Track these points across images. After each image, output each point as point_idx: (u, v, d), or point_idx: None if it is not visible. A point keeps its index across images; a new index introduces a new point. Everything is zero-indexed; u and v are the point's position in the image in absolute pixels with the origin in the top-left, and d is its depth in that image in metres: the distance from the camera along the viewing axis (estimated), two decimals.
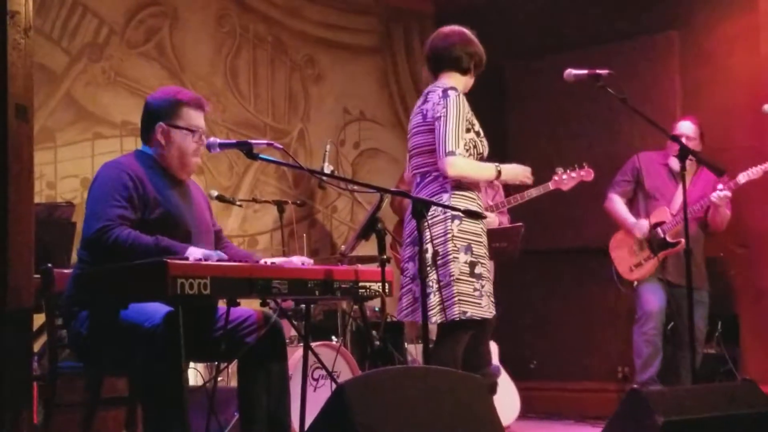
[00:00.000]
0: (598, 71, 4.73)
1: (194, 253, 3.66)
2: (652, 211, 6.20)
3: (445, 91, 4.61)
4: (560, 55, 7.18)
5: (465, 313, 4.46)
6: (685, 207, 4.82)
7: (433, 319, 4.47)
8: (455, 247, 4.48)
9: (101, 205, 3.80)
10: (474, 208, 4.54)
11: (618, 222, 6.30)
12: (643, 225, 6.15)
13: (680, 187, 5.87)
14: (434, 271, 4.42)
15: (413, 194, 4.61)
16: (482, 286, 4.52)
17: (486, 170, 4.65)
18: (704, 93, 7.11)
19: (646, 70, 7.37)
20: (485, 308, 4.53)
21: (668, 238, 6.03)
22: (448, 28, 4.82)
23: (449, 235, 4.49)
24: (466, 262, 4.49)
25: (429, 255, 4.40)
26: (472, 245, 4.53)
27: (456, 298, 4.45)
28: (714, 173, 5.21)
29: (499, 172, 4.68)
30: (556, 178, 5.69)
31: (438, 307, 4.46)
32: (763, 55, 6.89)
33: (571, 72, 4.80)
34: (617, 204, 6.34)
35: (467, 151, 4.57)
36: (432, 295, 4.44)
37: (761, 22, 6.92)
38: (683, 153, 4.78)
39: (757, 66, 6.90)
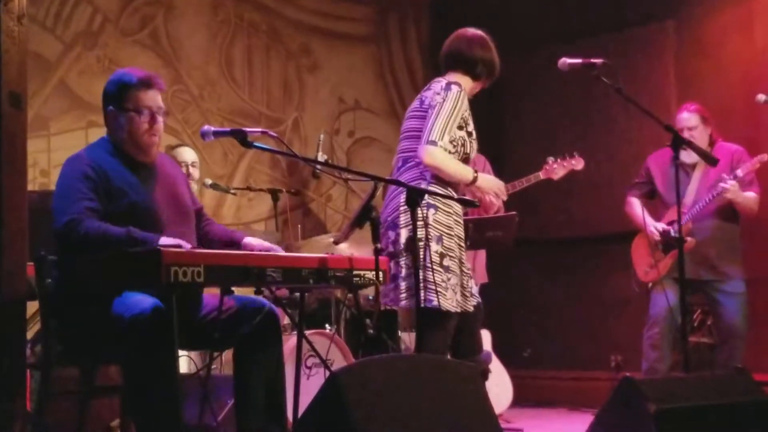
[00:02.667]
0: (592, 60, 4.72)
1: (165, 242, 3.64)
2: (666, 211, 6.05)
3: (449, 84, 4.60)
4: (555, 45, 7.17)
5: (431, 302, 4.39)
6: (677, 197, 4.80)
7: (402, 303, 4.47)
8: (429, 234, 4.43)
9: (66, 200, 3.80)
10: (440, 199, 4.49)
11: (635, 224, 6.16)
12: (655, 228, 5.97)
13: (692, 181, 5.89)
14: (407, 256, 4.42)
15: (393, 177, 4.61)
16: (449, 279, 4.47)
17: (462, 170, 4.56)
18: (699, 83, 7.12)
19: (641, 60, 7.38)
20: (450, 301, 4.46)
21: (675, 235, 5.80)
22: (471, 31, 4.77)
23: (421, 222, 4.41)
24: (436, 252, 4.44)
25: (403, 240, 4.43)
26: (443, 237, 4.48)
27: (425, 285, 4.40)
28: (708, 163, 5.20)
29: (475, 178, 4.59)
30: (546, 167, 5.68)
31: (408, 292, 4.45)
32: (757, 45, 6.91)
33: (565, 61, 4.79)
34: (635, 207, 6.16)
35: (454, 147, 4.54)
36: (404, 280, 4.44)
37: (755, 12, 6.93)
38: (676, 142, 4.75)
39: (751, 56, 6.91)
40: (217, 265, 3.53)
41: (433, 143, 4.45)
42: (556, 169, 5.67)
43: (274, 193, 6.64)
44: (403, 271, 4.45)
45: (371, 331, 4.97)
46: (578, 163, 5.73)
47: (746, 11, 6.96)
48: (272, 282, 3.71)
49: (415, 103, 4.71)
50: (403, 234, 4.44)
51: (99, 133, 6.31)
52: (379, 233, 4.14)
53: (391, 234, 4.51)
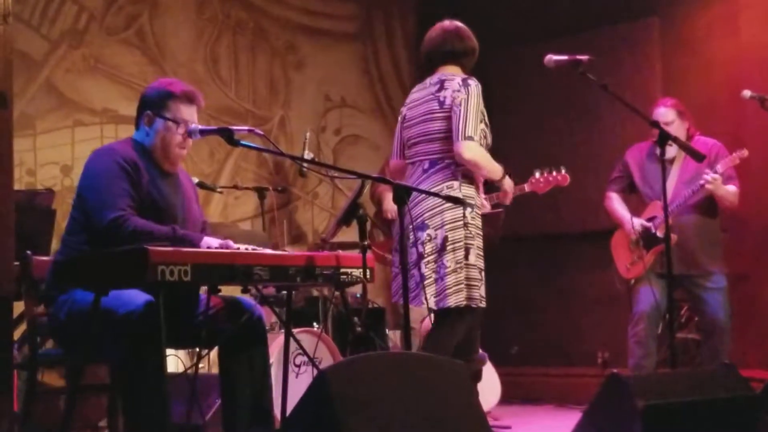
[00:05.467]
0: (578, 57, 4.72)
1: (210, 242, 3.72)
2: (645, 206, 6.03)
3: (465, 80, 4.66)
4: (541, 42, 7.18)
5: (475, 299, 4.56)
6: (664, 194, 4.80)
7: (451, 301, 4.51)
8: (470, 233, 4.56)
9: (108, 195, 3.81)
10: (472, 198, 4.61)
11: (615, 220, 6.13)
12: (635, 224, 5.92)
13: (670, 176, 5.81)
14: (444, 256, 4.50)
15: (415, 181, 4.67)
16: (480, 276, 4.62)
17: (495, 167, 4.71)
18: (684, 79, 7.13)
19: (627, 56, 7.39)
20: (484, 297, 4.63)
21: (658, 233, 5.81)
22: (454, 23, 4.84)
23: (462, 222, 4.55)
24: (477, 249, 4.59)
25: (439, 240, 4.51)
26: (477, 235, 4.62)
27: (467, 284, 4.54)
28: (694, 159, 5.20)
29: (504, 176, 4.78)
30: (532, 180, 5.74)
31: (452, 288, 4.52)
32: (742, 41, 6.92)
33: (551, 58, 4.79)
34: (614, 202, 6.12)
35: (479, 141, 4.62)
36: (440, 280, 4.51)
37: (740, 9, 6.95)
38: (662, 138, 4.75)
39: (736, 52, 6.92)
40: (204, 264, 3.52)
41: (470, 138, 4.54)
42: (542, 183, 5.73)
43: (261, 192, 6.63)
44: (444, 269, 4.52)
45: (359, 329, 4.98)
46: (564, 180, 5.76)
47: (731, 8, 6.98)
48: (259, 280, 3.71)
49: (431, 105, 4.72)
50: (440, 234, 4.52)
51: (85, 131, 6.34)
52: (366, 231, 4.14)
53: (421, 234, 4.55)
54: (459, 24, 4.85)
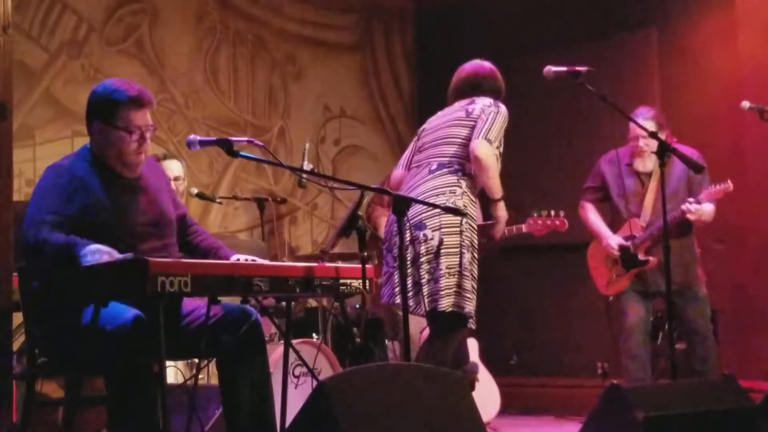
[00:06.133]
0: (577, 68, 4.73)
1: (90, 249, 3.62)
2: (621, 222, 5.85)
3: (496, 102, 4.74)
4: (540, 53, 7.19)
5: (464, 308, 4.53)
6: (663, 205, 4.78)
7: (443, 304, 4.50)
8: (464, 242, 4.54)
9: (35, 209, 3.76)
10: (470, 208, 4.61)
11: (592, 233, 5.99)
12: (613, 243, 5.75)
13: (648, 192, 5.71)
14: (439, 259, 4.50)
15: (418, 181, 4.67)
16: (473, 286, 4.59)
17: (497, 181, 4.64)
18: (683, 90, 7.14)
19: (626, 67, 7.41)
20: (473, 307, 4.60)
21: (640, 256, 5.67)
22: (488, 64, 4.96)
23: (458, 229, 4.54)
24: (470, 259, 4.56)
25: (435, 242, 4.50)
26: (474, 243, 4.61)
27: (455, 290, 4.52)
28: (692, 169, 5.17)
29: (501, 199, 4.71)
30: (530, 221, 5.74)
31: (444, 292, 4.51)
32: (740, 53, 6.93)
33: (550, 69, 4.80)
34: (590, 213, 5.97)
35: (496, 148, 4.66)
36: (434, 282, 4.51)
37: (738, 20, 6.96)
38: (662, 151, 4.72)
39: (735, 63, 6.93)
40: (204, 275, 3.51)
41: (490, 141, 4.56)
42: (540, 227, 5.74)
43: (260, 202, 6.63)
44: (439, 272, 4.51)
45: (358, 339, 4.98)
46: (562, 225, 5.75)
47: (729, 19, 6.99)
48: (259, 291, 3.70)
49: (459, 113, 4.75)
50: (437, 237, 4.51)
51: (84, 142, 6.29)
52: (365, 242, 4.13)
53: (418, 233, 4.54)
54: (490, 64, 4.95)
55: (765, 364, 6.43)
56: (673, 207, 5.53)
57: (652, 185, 5.74)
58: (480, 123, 4.62)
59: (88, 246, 3.61)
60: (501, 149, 4.70)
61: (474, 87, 4.85)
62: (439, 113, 4.89)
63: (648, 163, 5.66)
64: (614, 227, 5.89)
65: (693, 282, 5.75)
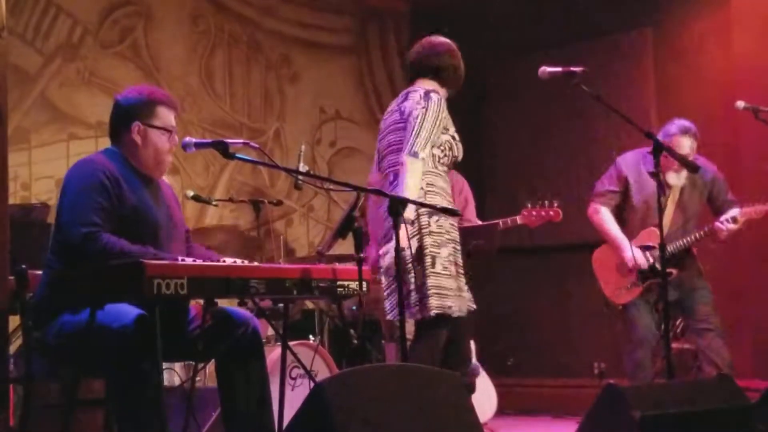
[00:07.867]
0: (572, 68, 4.72)
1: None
2: (635, 229, 5.71)
3: (427, 92, 4.61)
4: (535, 53, 7.19)
5: (449, 307, 4.49)
6: (659, 216, 4.76)
7: (419, 316, 4.48)
8: (435, 242, 4.50)
9: (82, 210, 3.73)
10: (447, 205, 4.54)
11: (607, 240, 5.77)
12: (638, 257, 5.54)
13: (668, 203, 5.58)
14: (418, 266, 4.45)
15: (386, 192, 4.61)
16: (454, 284, 4.55)
17: (412, 193, 4.41)
18: (678, 90, 7.16)
19: (621, 67, 7.43)
20: (462, 304, 4.57)
21: (658, 266, 5.26)
22: (436, 38, 4.80)
23: (426, 230, 4.49)
24: (447, 257, 4.52)
25: (413, 250, 4.44)
26: (448, 242, 4.55)
27: (435, 291, 4.47)
28: (688, 170, 5.18)
29: (412, 202, 4.36)
30: (525, 212, 5.72)
31: (420, 303, 4.47)
32: (735, 52, 6.95)
33: (545, 69, 4.79)
34: (606, 219, 5.74)
35: (443, 152, 4.59)
36: (414, 291, 4.47)
37: (733, 19, 6.98)
38: (657, 150, 4.70)
39: (730, 62, 6.95)
40: (201, 277, 3.51)
41: (415, 155, 4.46)
42: (534, 218, 5.71)
43: (256, 204, 6.61)
44: (411, 279, 4.47)
45: (355, 341, 4.97)
46: (556, 216, 5.72)
47: (724, 18, 7.01)
48: (255, 293, 3.70)
49: (395, 116, 4.70)
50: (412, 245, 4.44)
51: (80, 145, 6.34)
52: (362, 243, 4.13)
53: (386, 248, 4.50)
54: (442, 40, 4.78)
55: (760, 362, 6.44)
56: (695, 225, 5.59)
57: (674, 197, 5.65)
58: (407, 131, 4.53)
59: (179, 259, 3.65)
60: (450, 132, 4.60)
61: (415, 72, 4.77)
62: (388, 109, 4.83)
63: (682, 178, 5.59)
64: (627, 234, 5.72)
65: (701, 283, 5.74)
